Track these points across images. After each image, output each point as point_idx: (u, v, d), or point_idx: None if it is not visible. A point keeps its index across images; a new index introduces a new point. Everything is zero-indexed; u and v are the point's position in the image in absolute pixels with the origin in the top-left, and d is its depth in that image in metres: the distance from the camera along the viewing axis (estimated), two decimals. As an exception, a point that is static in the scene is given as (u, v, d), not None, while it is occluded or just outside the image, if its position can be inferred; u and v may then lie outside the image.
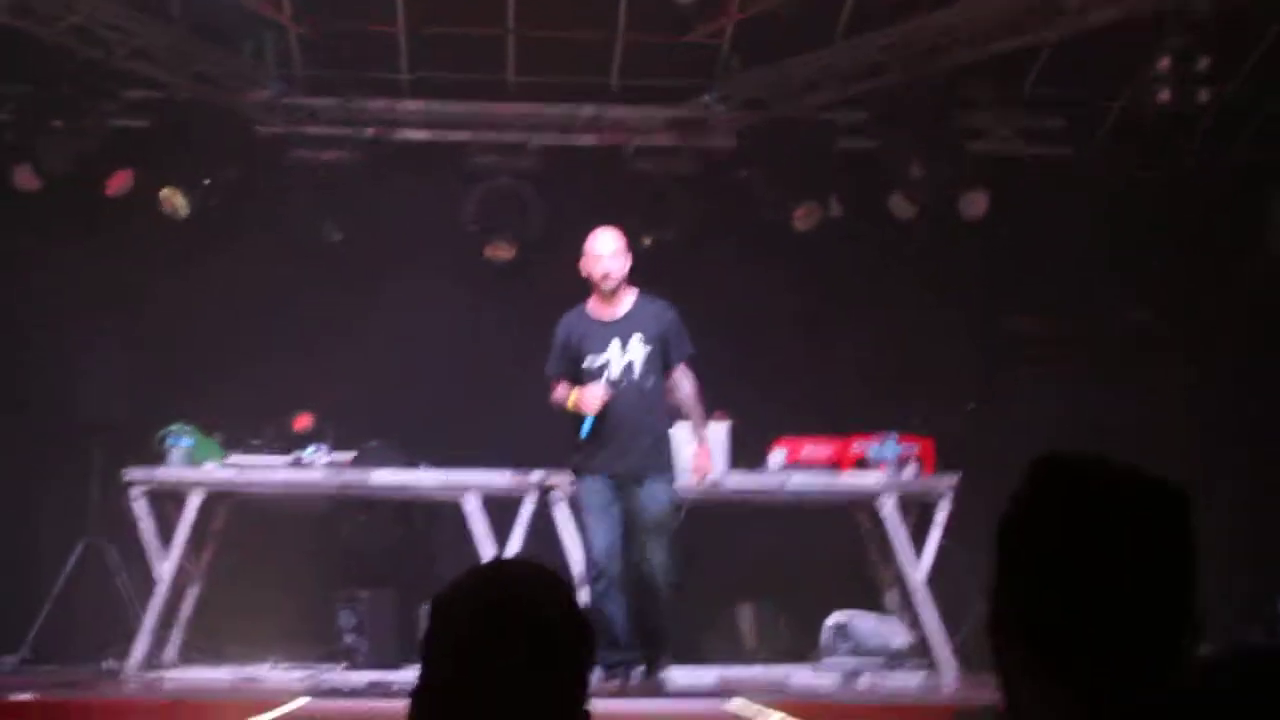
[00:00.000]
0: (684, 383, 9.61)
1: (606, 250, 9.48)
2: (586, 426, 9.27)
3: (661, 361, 9.51)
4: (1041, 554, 2.14)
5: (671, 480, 9.55)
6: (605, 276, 9.43)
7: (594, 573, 9.44)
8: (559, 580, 2.57)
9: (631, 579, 9.40)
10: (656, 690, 9.51)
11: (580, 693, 2.49)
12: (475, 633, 2.44)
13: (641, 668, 9.47)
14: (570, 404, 9.35)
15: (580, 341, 9.48)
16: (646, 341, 9.42)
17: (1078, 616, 2.09)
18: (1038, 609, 2.12)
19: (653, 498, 9.39)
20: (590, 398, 9.26)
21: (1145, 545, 2.12)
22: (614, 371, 9.40)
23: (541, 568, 2.62)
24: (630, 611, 9.38)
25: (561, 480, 10.28)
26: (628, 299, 9.58)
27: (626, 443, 9.36)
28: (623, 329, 9.46)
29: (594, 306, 9.58)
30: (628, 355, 9.41)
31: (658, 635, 9.55)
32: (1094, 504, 2.14)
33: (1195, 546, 2.14)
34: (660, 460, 9.51)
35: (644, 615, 9.42)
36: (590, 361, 9.44)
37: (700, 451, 9.70)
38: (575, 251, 9.63)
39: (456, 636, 2.46)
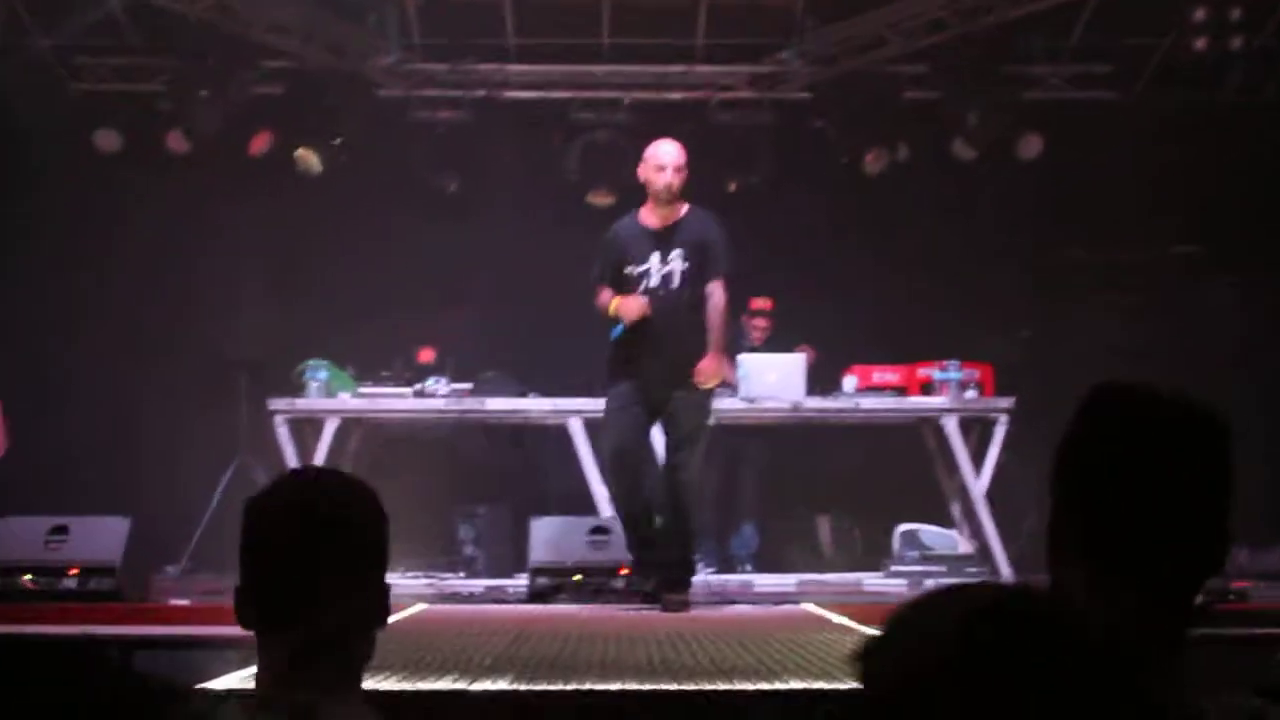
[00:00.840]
0: (712, 296, 8.47)
1: (670, 161, 8.45)
2: (617, 330, 8.41)
3: (702, 279, 8.47)
4: (1097, 468, 2.16)
5: (708, 394, 8.51)
6: (667, 187, 8.41)
7: (607, 474, 8.78)
8: (358, 484, 2.60)
9: (663, 487, 8.40)
10: (733, 595, 9.56)
11: (377, 577, 2.54)
12: (279, 531, 2.51)
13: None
14: (611, 310, 8.43)
15: (624, 248, 8.54)
16: (687, 256, 8.40)
17: (1128, 523, 2.12)
18: (1093, 516, 2.15)
19: (686, 407, 8.38)
20: (630, 307, 8.34)
21: (1188, 464, 2.15)
22: (653, 280, 8.41)
23: (342, 474, 2.75)
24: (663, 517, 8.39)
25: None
26: (679, 211, 8.56)
27: (661, 352, 8.32)
28: (666, 240, 8.46)
29: (645, 215, 8.62)
30: (668, 266, 8.40)
31: (686, 541, 8.51)
32: (1145, 427, 2.17)
33: (1232, 468, 2.17)
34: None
35: (675, 522, 8.38)
36: (631, 269, 8.48)
37: (712, 357, 8.44)
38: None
39: (264, 536, 2.52)
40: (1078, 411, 2.22)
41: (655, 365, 8.33)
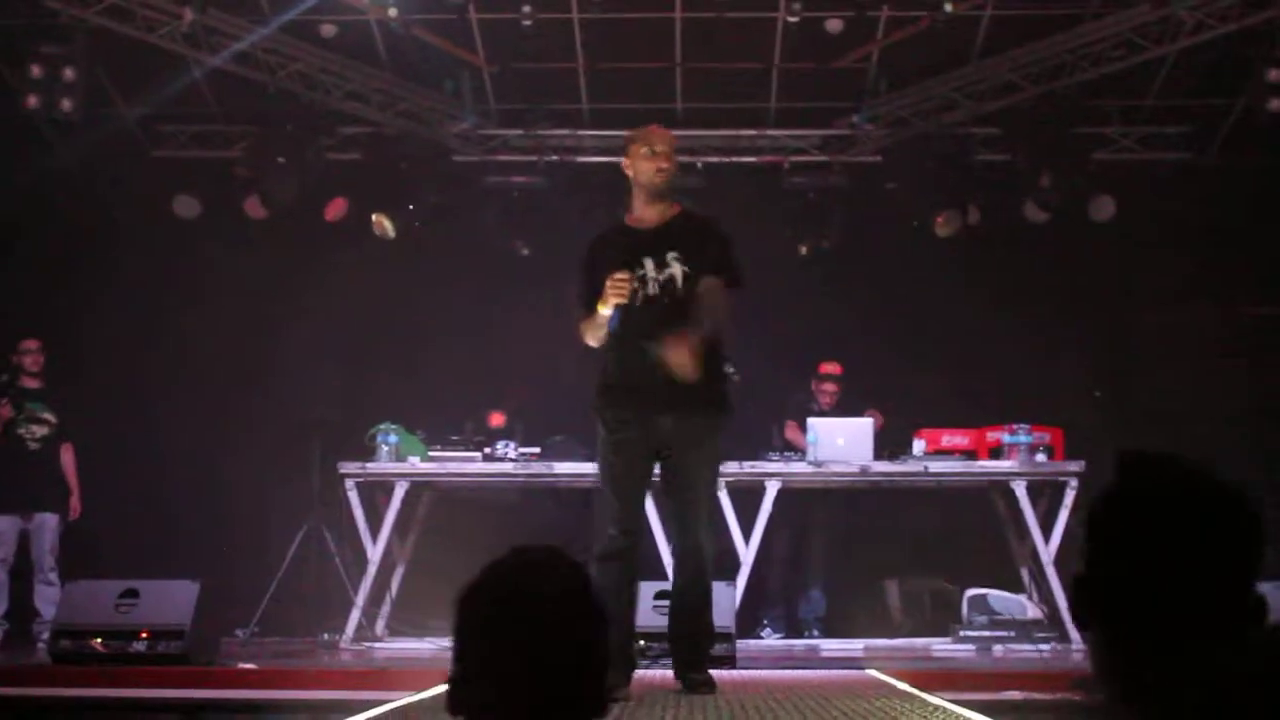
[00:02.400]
0: (708, 284, 6.70)
1: (662, 147, 6.87)
2: (614, 319, 6.58)
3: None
4: (1123, 535, 2.15)
5: (714, 428, 6.76)
6: (659, 172, 6.79)
7: (608, 545, 6.74)
8: (568, 562, 2.47)
9: (677, 556, 6.91)
10: (799, 660, 9.32)
11: (599, 667, 2.43)
12: (489, 622, 2.38)
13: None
14: (601, 306, 6.55)
15: (612, 257, 6.70)
16: (687, 258, 6.72)
17: (1153, 589, 2.11)
18: (1119, 579, 2.13)
19: (691, 448, 6.66)
20: (616, 284, 6.56)
21: (1209, 535, 2.13)
22: (650, 288, 6.65)
23: (554, 550, 2.53)
24: (676, 601, 6.87)
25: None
26: (673, 209, 6.95)
27: (662, 375, 6.44)
28: (660, 242, 6.80)
29: (631, 216, 6.97)
30: (666, 270, 6.70)
31: (703, 608, 6.84)
32: (1170, 497, 2.16)
33: (1258, 540, 2.15)
34: (711, 402, 6.73)
35: (689, 603, 6.80)
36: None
37: (683, 342, 6.42)
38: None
39: (474, 628, 2.40)
40: (1111, 477, 2.22)
41: (656, 391, 6.58)
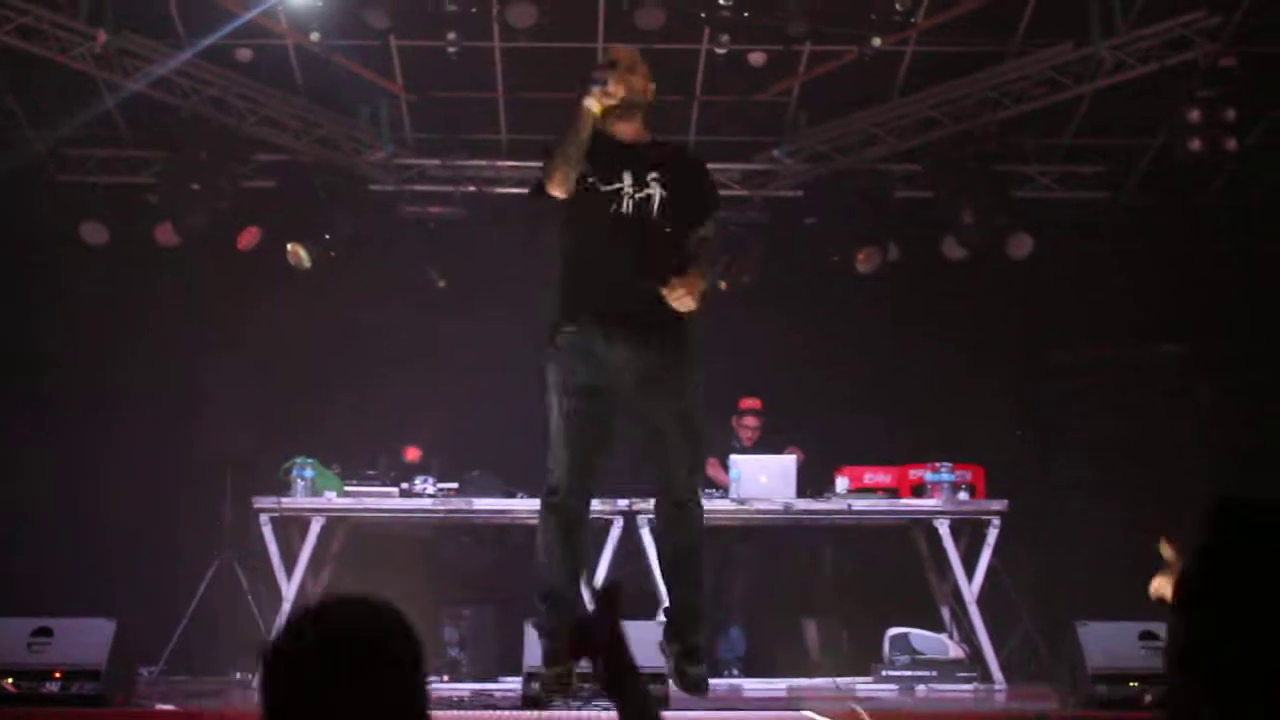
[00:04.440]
0: (708, 231, 6.41)
1: (626, 59, 6.40)
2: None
3: (682, 216, 6.31)
4: (1227, 596, 2.03)
5: (695, 367, 6.36)
6: (631, 87, 6.26)
7: (554, 495, 6.23)
8: (384, 607, 2.43)
9: (663, 522, 6.53)
10: (723, 700, 9.21)
11: (417, 706, 2.39)
12: (307, 668, 2.32)
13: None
14: (584, 109, 6.10)
15: (589, 158, 6.17)
16: (666, 182, 6.25)
17: (1260, 652, 1.97)
18: (1224, 645, 2.00)
19: (675, 397, 6.27)
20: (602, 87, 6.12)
21: None
22: (624, 204, 6.20)
23: (367, 598, 2.47)
24: (671, 557, 6.56)
25: (648, 506, 9.93)
26: (645, 133, 6.52)
27: (639, 298, 6.08)
28: (641, 158, 6.32)
29: (613, 127, 6.39)
30: (645, 189, 6.22)
31: (698, 598, 6.55)
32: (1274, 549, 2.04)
33: None
34: (687, 342, 6.34)
35: (683, 572, 6.48)
36: (597, 184, 6.22)
37: (695, 276, 6.11)
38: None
39: (289, 674, 2.34)
40: (1202, 532, 2.11)
41: (635, 316, 6.17)
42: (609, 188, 6.20)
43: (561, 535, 6.19)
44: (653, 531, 6.93)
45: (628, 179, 6.23)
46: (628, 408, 6.26)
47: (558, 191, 6.15)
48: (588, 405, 6.16)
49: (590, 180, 6.18)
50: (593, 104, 6.11)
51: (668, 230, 6.24)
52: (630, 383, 6.18)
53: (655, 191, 6.24)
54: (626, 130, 6.41)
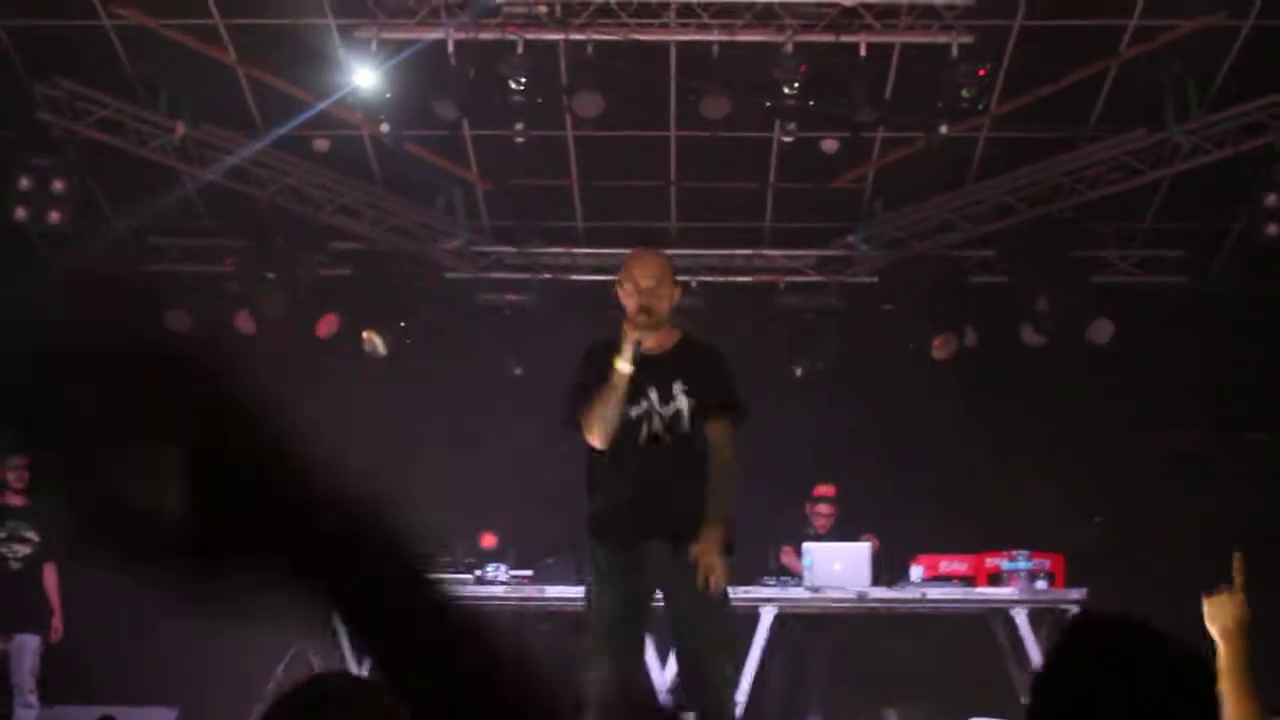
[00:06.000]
0: (718, 439, 6.34)
1: (647, 277, 6.31)
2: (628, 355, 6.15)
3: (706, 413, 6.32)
4: (1068, 706, 2.09)
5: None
6: (644, 310, 6.24)
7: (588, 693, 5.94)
8: (366, 684, 2.43)
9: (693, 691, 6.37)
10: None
11: None
12: None
13: None
14: (618, 362, 6.10)
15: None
16: (691, 390, 6.24)
17: None
18: None
19: (703, 602, 6.13)
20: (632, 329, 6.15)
21: (1161, 708, 2.04)
22: (655, 423, 6.21)
23: (348, 676, 2.54)
24: None
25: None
26: (673, 336, 6.47)
27: (668, 525, 6.16)
28: (664, 370, 6.26)
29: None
30: (672, 404, 6.20)
31: None
32: (1118, 667, 2.07)
33: (1214, 713, 2.06)
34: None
35: None
36: (626, 410, 6.20)
37: (714, 529, 6.15)
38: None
39: None
40: (1055, 644, 2.18)
41: (659, 543, 6.20)
42: (636, 411, 6.21)
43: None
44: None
45: (654, 396, 6.24)
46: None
47: (596, 443, 6.24)
48: (616, 626, 6.29)
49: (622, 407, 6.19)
50: (626, 366, 6.13)
51: (699, 442, 6.25)
52: (664, 584, 6.28)
53: (683, 405, 6.24)
54: (650, 342, 6.34)
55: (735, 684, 6.56)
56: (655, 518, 6.18)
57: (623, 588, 6.28)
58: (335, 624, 1.32)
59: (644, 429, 6.21)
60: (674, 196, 12.54)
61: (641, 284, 6.31)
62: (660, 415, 6.23)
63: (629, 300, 6.34)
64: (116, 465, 1.16)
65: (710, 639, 6.23)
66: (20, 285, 11.03)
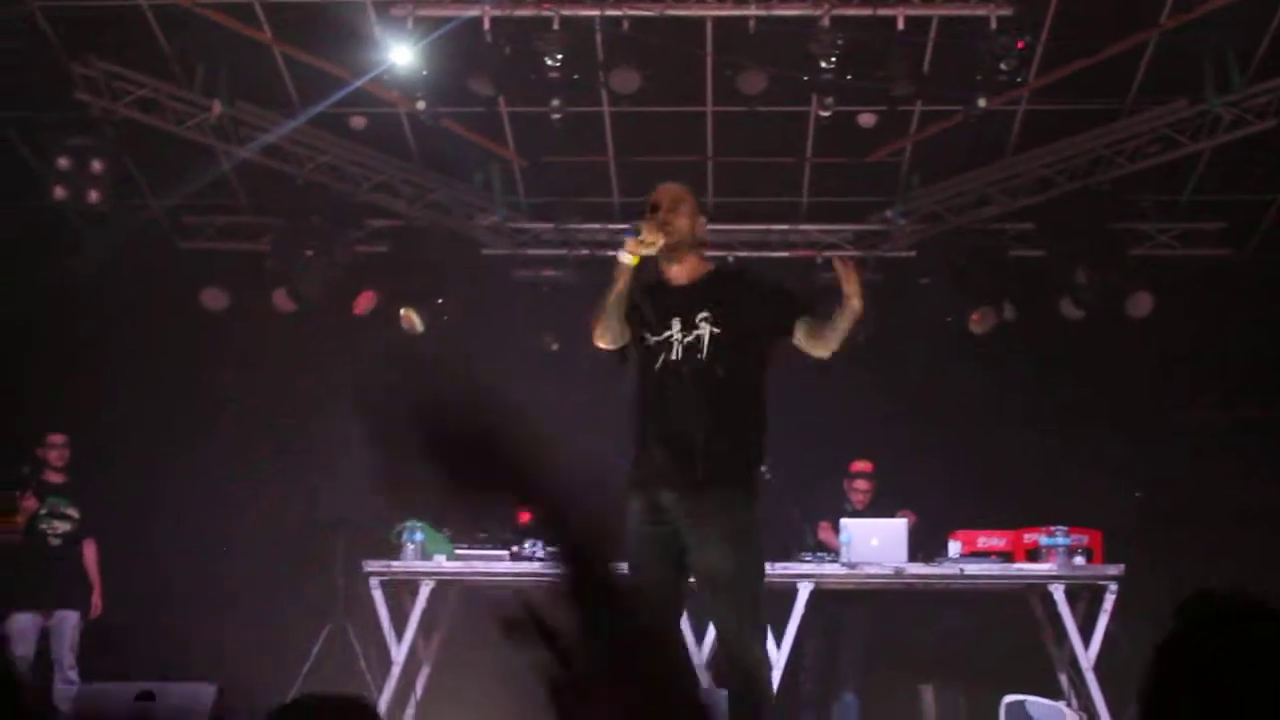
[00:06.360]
0: (815, 330, 6.26)
1: (665, 196, 6.29)
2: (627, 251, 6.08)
3: (744, 349, 6.16)
4: (1190, 695, 1.97)
5: (753, 522, 6.06)
6: (658, 222, 6.15)
7: None
8: (356, 704, 2.49)
9: (724, 670, 6.26)
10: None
11: None
12: None
13: None
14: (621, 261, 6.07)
15: (641, 306, 6.19)
16: (717, 320, 6.11)
17: None
18: None
19: (721, 545, 5.92)
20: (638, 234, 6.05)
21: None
22: (674, 350, 6.08)
23: (343, 696, 2.56)
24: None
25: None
26: (699, 271, 6.35)
27: (688, 450, 5.97)
28: (689, 300, 6.18)
29: (667, 269, 6.31)
30: (695, 332, 6.11)
31: None
32: (1241, 650, 1.96)
33: None
34: (740, 484, 6.06)
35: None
36: (648, 337, 6.13)
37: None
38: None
39: None
40: (1172, 627, 2.04)
41: (686, 470, 5.99)
42: (659, 339, 6.11)
43: None
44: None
45: (676, 325, 6.13)
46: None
47: (603, 344, 6.19)
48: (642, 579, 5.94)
49: (644, 334, 6.13)
50: (626, 256, 6.05)
51: (720, 372, 6.07)
52: (686, 530, 5.99)
53: (704, 331, 6.11)
54: (678, 273, 6.30)
55: (766, 663, 6.21)
56: (673, 454, 6.00)
57: (646, 530, 6.00)
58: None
59: (662, 357, 6.10)
60: (710, 172, 12.51)
61: (660, 200, 6.24)
62: (680, 344, 6.10)
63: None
64: None
65: (738, 618, 6.01)
66: (57, 265, 11.12)
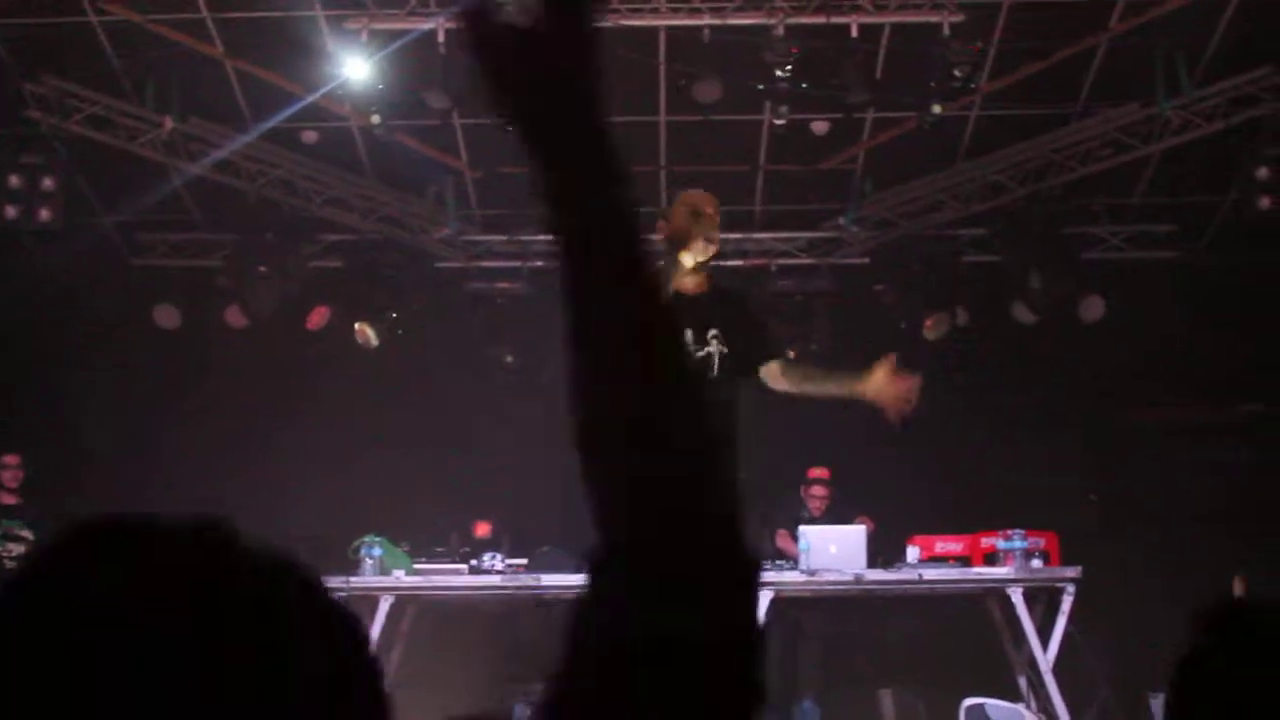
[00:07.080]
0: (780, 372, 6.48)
1: (711, 210, 6.44)
2: None
3: (744, 372, 6.45)
4: (1220, 709, 1.91)
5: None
6: (709, 243, 6.37)
7: None
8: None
9: None
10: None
11: None
12: None
13: None
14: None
15: None
16: (725, 342, 6.28)
17: None
18: None
19: None
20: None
21: None
22: None
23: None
24: None
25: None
26: (705, 283, 6.50)
27: None
28: (700, 313, 6.26)
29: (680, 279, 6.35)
30: (706, 349, 6.24)
31: None
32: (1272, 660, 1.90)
33: None
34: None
35: None
36: None
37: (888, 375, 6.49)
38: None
39: None
40: (1194, 637, 1.98)
41: None
42: None
43: None
44: None
45: (689, 337, 6.17)
46: None
47: None
48: None
49: None
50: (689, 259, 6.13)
51: (727, 390, 6.25)
52: None
53: (714, 350, 6.25)
54: (688, 283, 6.37)
55: None
56: None
57: None
58: None
59: None
60: (663, 181, 12.51)
61: (708, 210, 6.39)
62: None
63: (691, 229, 6.31)
64: None
65: None
66: (8, 282, 11.04)
